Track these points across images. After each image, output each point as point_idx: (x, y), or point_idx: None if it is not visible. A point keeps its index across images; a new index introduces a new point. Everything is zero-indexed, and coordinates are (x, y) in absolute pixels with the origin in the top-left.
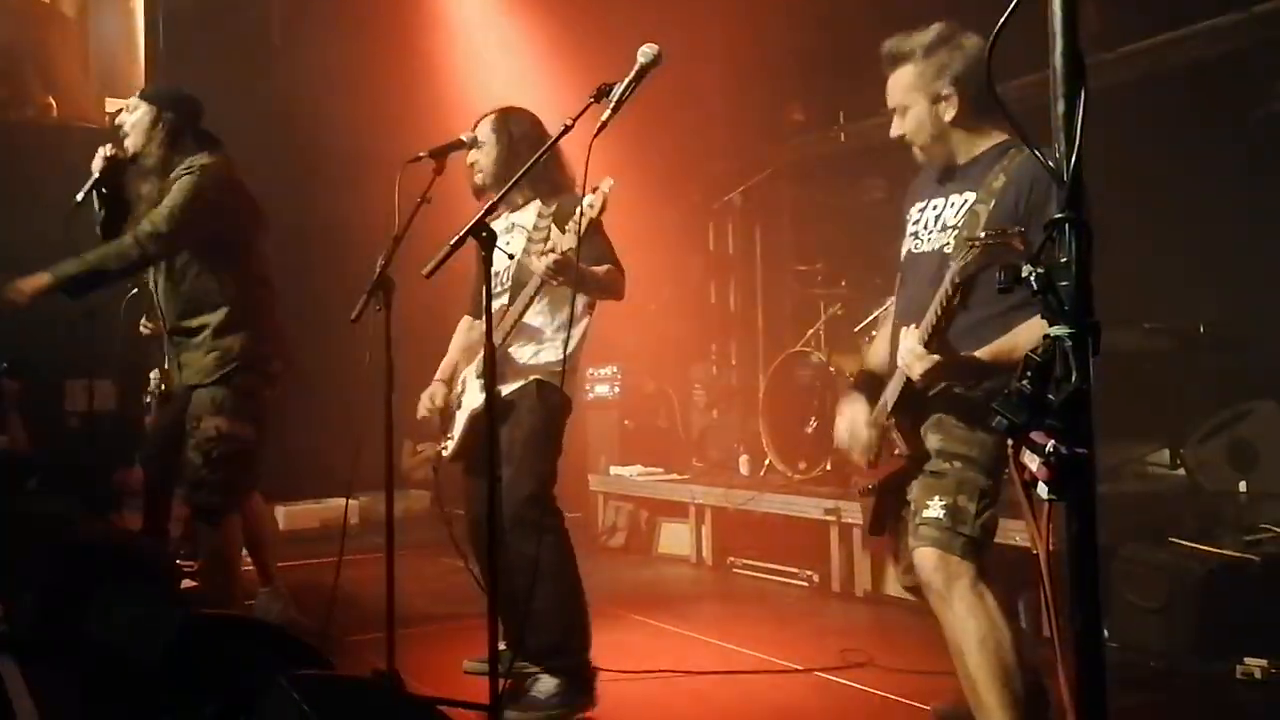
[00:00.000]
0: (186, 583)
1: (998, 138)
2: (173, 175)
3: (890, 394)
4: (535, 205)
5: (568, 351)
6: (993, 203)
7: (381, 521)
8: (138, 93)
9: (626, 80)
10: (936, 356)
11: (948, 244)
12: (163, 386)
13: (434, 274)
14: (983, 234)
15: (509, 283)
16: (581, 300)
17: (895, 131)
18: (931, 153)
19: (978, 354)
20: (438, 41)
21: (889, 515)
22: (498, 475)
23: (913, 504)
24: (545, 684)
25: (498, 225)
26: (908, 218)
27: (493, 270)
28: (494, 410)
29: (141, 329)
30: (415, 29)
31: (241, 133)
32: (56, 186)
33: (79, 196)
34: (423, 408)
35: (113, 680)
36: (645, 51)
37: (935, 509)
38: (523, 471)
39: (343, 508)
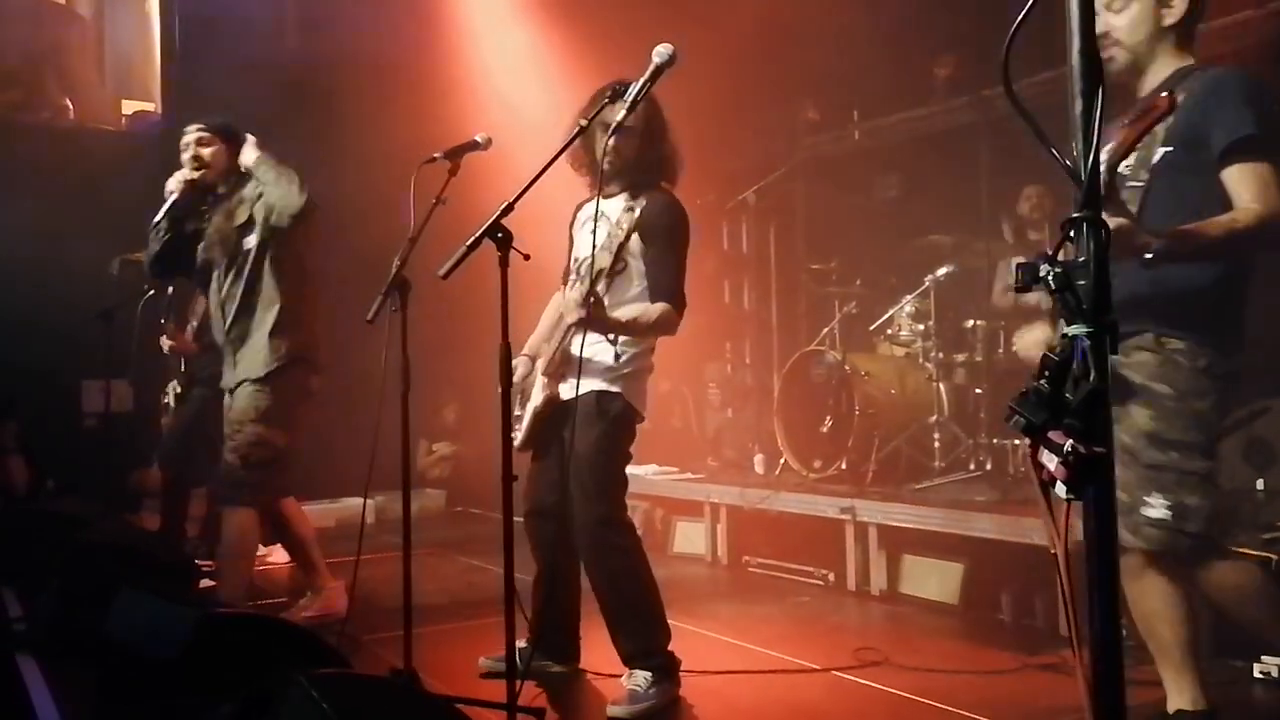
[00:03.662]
0: (204, 582)
1: (1185, 61)
2: (237, 195)
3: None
4: (623, 199)
5: (631, 355)
6: (1170, 120)
7: (397, 521)
8: (205, 126)
9: (642, 80)
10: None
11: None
12: (179, 392)
13: (450, 275)
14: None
15: (585, 273)
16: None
17: (1100, 28)
18: (1134, 59)
19: (1169, 231)
20: (453, 41)
21: None
22: (515, 476)
23: (1122, 490)
24: (638, 679)
25: (586, 210)
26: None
27: (574, 257)
28: (507, 413)
29: (163, 346)
30: (430, 29)
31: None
32: (73, 188)
33: (159, 217)
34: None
35: (130, 679)
36: (660, 51)
37: (1159, 509)
38: (590, 492)
39: (359, 507)
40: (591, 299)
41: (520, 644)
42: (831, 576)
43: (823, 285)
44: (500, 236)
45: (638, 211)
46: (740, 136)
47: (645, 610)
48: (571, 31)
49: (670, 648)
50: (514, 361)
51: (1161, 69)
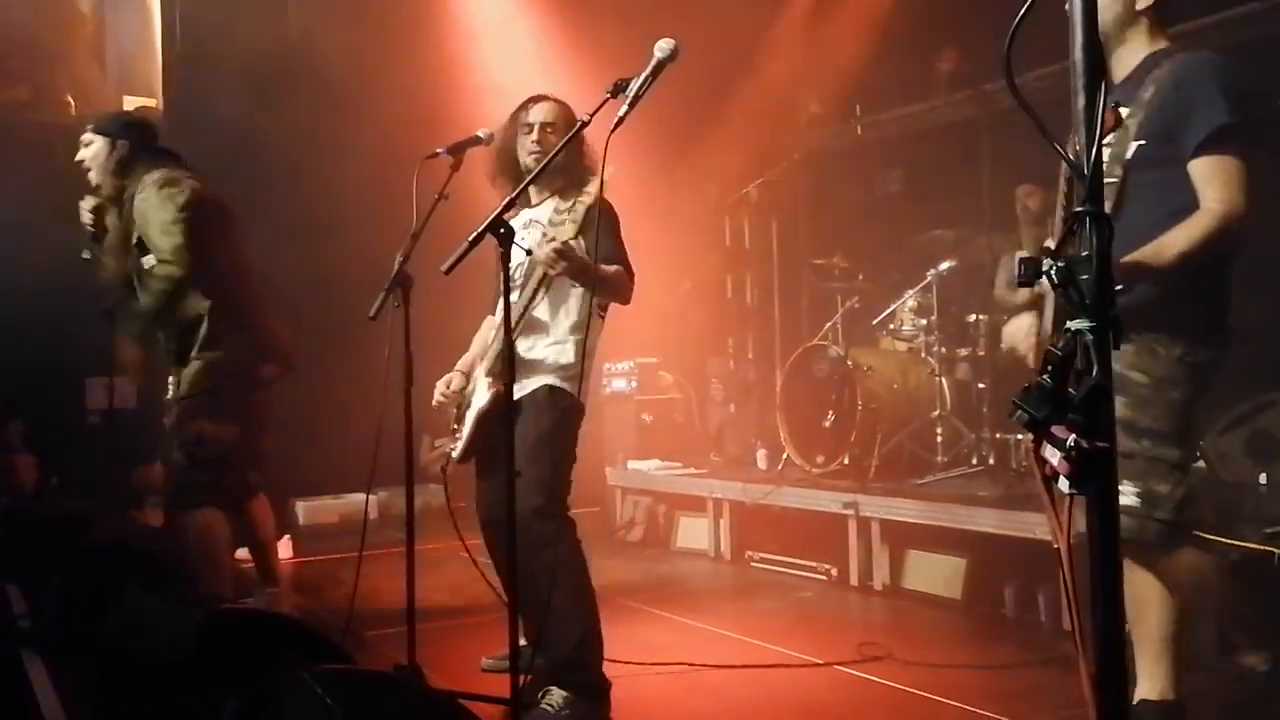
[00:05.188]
0: None
1: (1159, 44)
2: (127, 196)
3: (1048, 317)
4: (553, 202)
5: (583, 353)
6: (1141, 114)
7: (401, 516)
8: (92, 125)
9: (643, 75)
10: None
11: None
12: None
13: (452, 270)
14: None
15: (523, 280)
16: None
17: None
18: (1108, 44)
19: (1122, 260)
20: (455, 38)
21: None
22: (517, 474)
23: None
24: (554, 696)
25: (516, 221)
26: None
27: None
28: (510, 410)
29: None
30: (432, 27)
31: (260, 130)
32: (76, 185)
33: (85, 255)
34: (437, 393)
35: (136, 677)
36: (662, 46)
37: (1129, 495)
38: (528, 482)
39: (362, 503)
40: (567, 240)
41: (522, 643)
42: (834, 571)
43: (825, 280)
44: (502, 232)
45: (578, 209)
46: (742, 131)
47: (572, 615)
48: (573, 25)
49: (604, 672)
50: (448, 377)
51: (1133, 53)
